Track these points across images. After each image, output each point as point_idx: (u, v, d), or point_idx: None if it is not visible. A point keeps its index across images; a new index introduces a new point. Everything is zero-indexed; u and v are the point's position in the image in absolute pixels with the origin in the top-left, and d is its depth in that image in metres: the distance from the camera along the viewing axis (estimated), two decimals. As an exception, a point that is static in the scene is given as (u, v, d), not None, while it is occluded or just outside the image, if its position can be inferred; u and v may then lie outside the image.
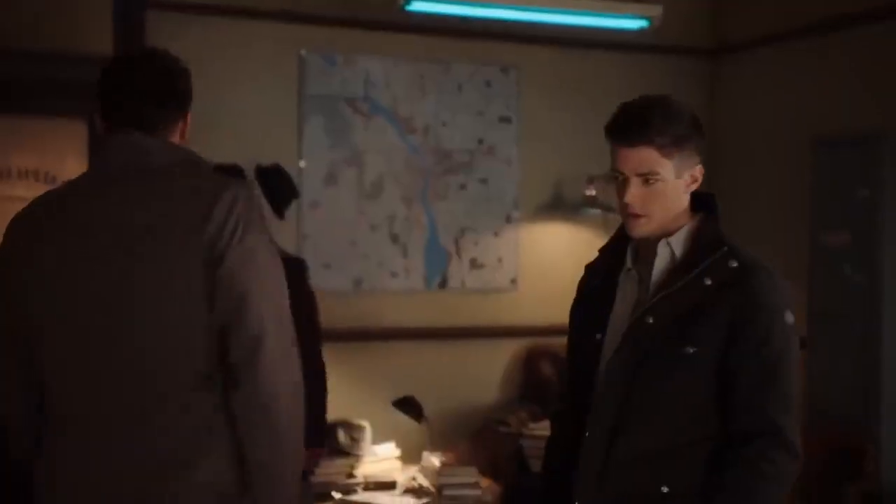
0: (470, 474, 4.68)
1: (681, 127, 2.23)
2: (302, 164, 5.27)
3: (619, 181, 2.24)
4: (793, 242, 5.27)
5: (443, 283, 5.54)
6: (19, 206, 4.78)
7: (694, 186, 2.28)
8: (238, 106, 5.10)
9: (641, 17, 5.23)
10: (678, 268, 2.24)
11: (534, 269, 5.71)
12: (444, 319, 5.53)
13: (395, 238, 5.47)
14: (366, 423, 4.59)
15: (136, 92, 2.31)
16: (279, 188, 4.67)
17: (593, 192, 5.49)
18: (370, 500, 4.37)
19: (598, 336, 2.30)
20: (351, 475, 4.51)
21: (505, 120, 5.65)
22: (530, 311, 5.70)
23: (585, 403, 2.30)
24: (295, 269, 3.85)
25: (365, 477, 4.53)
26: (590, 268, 2.48)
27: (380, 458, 4.79)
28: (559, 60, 5.71)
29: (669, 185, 2.22)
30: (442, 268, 5.55)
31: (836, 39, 5.18)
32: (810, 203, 5.03)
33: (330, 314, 5.10)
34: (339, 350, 5.28)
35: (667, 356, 2.18)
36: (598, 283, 2.39)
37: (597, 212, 5.50)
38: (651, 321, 2.21)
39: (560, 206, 5.72)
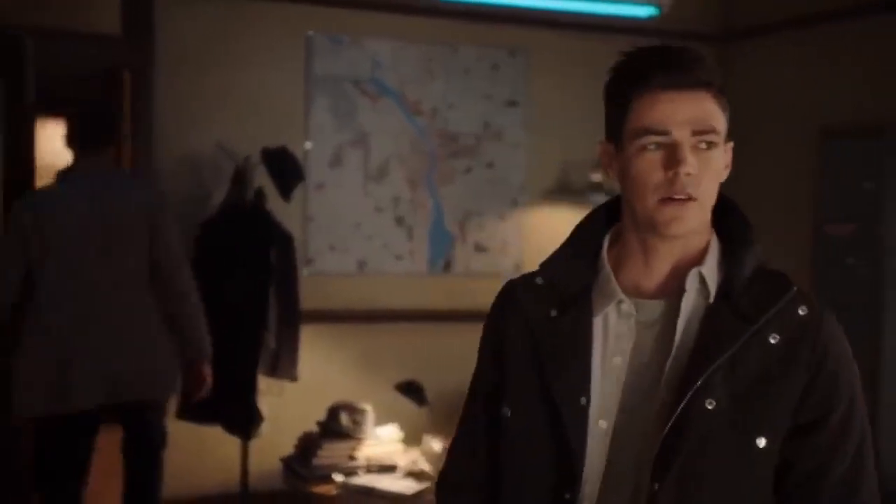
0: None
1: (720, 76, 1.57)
2: (308, 145, 5.27)
3: (652, 150, 1.52)
4: (797, 232, 5.27)
5: (447, 267, 5.54)
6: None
7: (726, 173, 1.62)
8: (245, 87, 5.10)
9: (650, 5, 5.21)
10: (722, 314, 1.53)
11: (538, 253, 5.63)
12: (448, 302, 5.53)
13: (400, 221, 5.47)
14: (368, 406, 4.60)
15: None
16: (285, 170, 4.68)
17: (600, 178, 5.48)
18: (371, 483, 4.39)
19: (583, 400, 1.54)
20: (352, 457, 4.52)
21: (512, 104, 5.64)
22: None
23: (540, 496, 1.59)
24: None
25: (367, 459, 4.54)
26: (526, 291, 1.71)
27: (381, 440, 4.81)
28: (567, 44, 5.70)
29: (719, 158, 1.57)
30: (446, 251, 5.55)
31: (845, 30, 5.17)
32: (816, 193, 5.02)
33: (334, 296, 5.13)
34: (342, 332, 5.30)
35: (732, 454, 1.49)
36: (554, 313, 1.62)
37: (603, 197, 5.49)
38: (712, 406, 1.48)
39: (566, 191, 5.71)
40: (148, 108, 4.91)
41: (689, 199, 1.51)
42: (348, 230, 5.38)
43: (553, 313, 1.61)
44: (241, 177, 4.75)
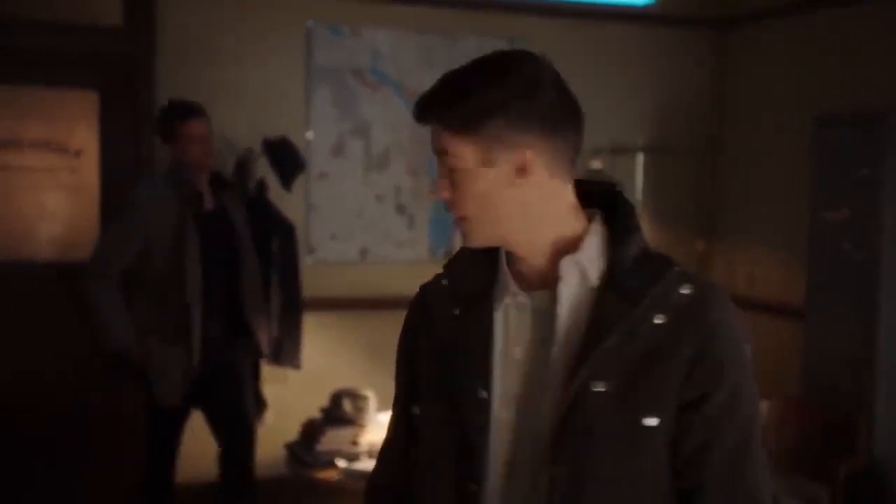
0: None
1: (478, 102, 1.56)
2: (309, 135, 5.31)
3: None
4: (793, 217, 5.31)
5: (448, 254, 5.57)
6: (30, 176, 4.89)
7: (515, 182, 1.56)
8: (246, 77, 5.13)
9: (648, -8, 5.24)
10: (606, 299, 1.56)
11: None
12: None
13: (401, 209, 5.52)
14: (370, 393, 4.65)
15: None
16: (286, 160, 4.73)
17: (599, 166, 5.51)
18: (374, 468, 4.44)
19: (483, 394, 1.59)
20: (355, 443, 4.57)
21: (511, 92, 5.65)
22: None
23: (447, 491, 1.62)
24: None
25: (369, 445, 4.59)
26: (434, 292, 1.74)
27: (384, 426, 4.85)
28: (566, 33, 5.72)
29: (476, 178, 1.57)
30: (447, 239, 5.59)
31: (840, 17, 5.19)
32: (811, 179, 5.06)
33: (336, 284, 5.17)
34: (343, 319, 5.34)
35: (622, 435, 1.52)
36: (457, 312, 1.66)
37: (602, 184, 5.52)
38: (602, 388, 1.52)
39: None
40: (150, 99, 4.94)
41: (460, 218, 1.59)
42: (350, 219, 5.42)
43: (456, 312, 1.66)
44: (242, 167, 4.79)
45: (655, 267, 1.58)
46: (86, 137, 4.85)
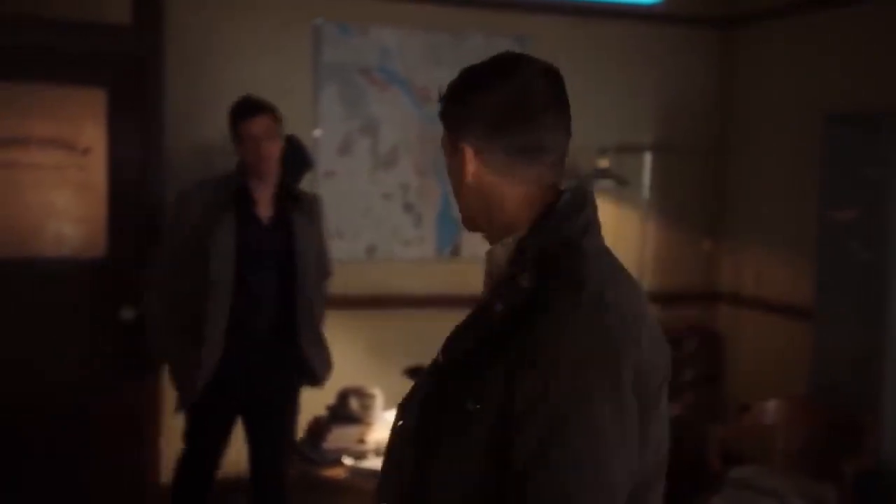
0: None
1: (446, 97, 1.74)
2: (317, 133, 5.31)
3: None
4: (802, 216, 5.30)
5: (455, 252, 5.59)
6: (38, 173, 4.90)
7: (471, 172, 1.66)
8: (253, 75, 5.13)
9: (655, -10, 5.24)
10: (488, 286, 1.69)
11: (545, 239, 5.72)
12: (456, 288, 5.56)
13: (408, 207, 5.52)
14: (377, 391, 4.65)
15: None
16: (294, 158, 4.72)
17: (606, 164, 5.51)
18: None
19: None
20: (362, 441, 4.57)
21: (519, 91, 5.65)
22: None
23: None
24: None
25: (376, 444, 4.59)
26: None
27: (390, 424, 4.85)
28: (573, 31, 5.72)
29: (452, 167, 1.72)
30: (454, 237, 5.59)
31: (849, 15, 5.17)
32: (820, 179, 5.05)
33: (343, 282, 5.16)
34: (351, 317, 5.34)
35: (450, 414, 1.55)
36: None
37: (609, 183, 5.52)
38: (441, 359, 1.66)
39: (572, 177, 5.70)
40: (159, 97, 4.95)
41: None
42: (357, 217, 5.43)
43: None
44: (250, 165, 4.79)
45: (518, 258, 1.61)
46: (94, 135, 4.85)
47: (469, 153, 1.66)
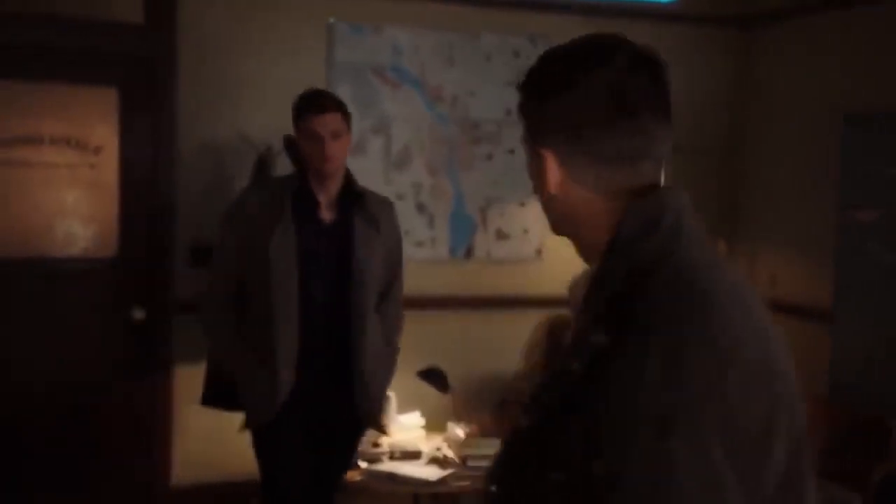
0: (494, 446, 4.69)
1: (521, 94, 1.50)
2: (329, 133, 5.27)
3: None
4: (820, 217, 5.25)
5: (468, 253, 5.55)
6: (50, 172, 4.88)
7: (555, 183, 1.45)
8: (266, 75, 5.11)
9: (671, -10, 5.19)
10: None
11: (559, 240, 5.56)
12: (470, 289, 5.54)
13: (421, 208, 5.48)
14: (391, 393, 4.61)
15: None
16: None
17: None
18: (395, 470, 4.41)
19: None
20: (376, 444, 4.54)
21: (532, 90, 5.61)
22: (555, 282, 5.70)
23: None
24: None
25: (390, 446, 4.56)
26: None
27: (405, 427, 4.82)
28: (587, 30, 5.64)
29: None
30: (467, 238, 5.55)
31: (866, 14, 5.13)
32: (839, 179, 5.00)
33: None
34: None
35: (529, 483, 1.33)
36: None
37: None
38: (524, 422, 1.37)
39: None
40: (170, 96, 4.93)
41: None
42: (370, 217, 5.39)
43: None
44: (263, 164, 4.77)
45: (601, 302, 1.33)
46: (106, 134, 4.83)
47: (552, 161, 1.41)
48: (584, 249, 1.47)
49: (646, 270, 1.32)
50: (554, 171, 1.41)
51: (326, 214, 3.66)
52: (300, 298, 3.58)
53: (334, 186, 3.67)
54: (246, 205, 3.68)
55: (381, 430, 4.11)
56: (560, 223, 1.48)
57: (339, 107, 3.63)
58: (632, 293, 1.30)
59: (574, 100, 1.38)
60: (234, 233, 3.65)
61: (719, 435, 1.22)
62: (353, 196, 3.73)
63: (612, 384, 1.24)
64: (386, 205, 3.92)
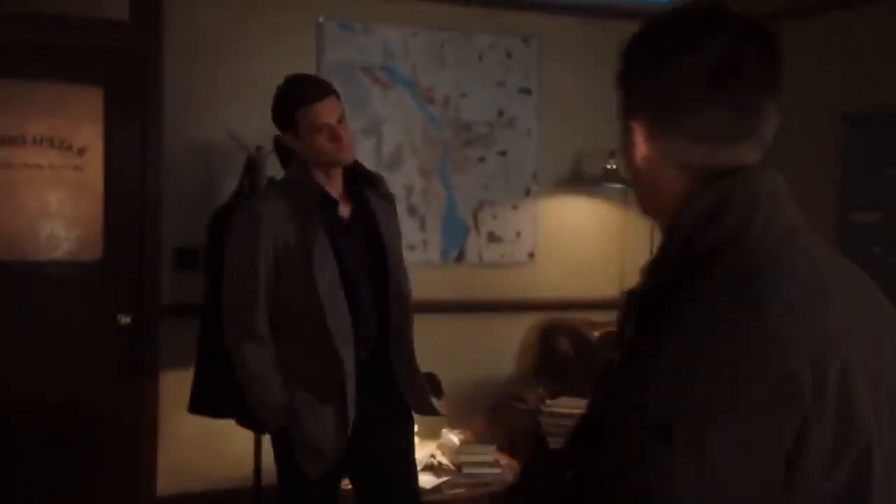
0: (489, 453, 4.63)
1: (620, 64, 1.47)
2: (319, 134, 5.20)
3: None
4: (821, 220, 5.18)
5: (460, 257, 5.48)
6: (33, 173, 4.79)
7: (640, 156, 1.41)
8: (255, 75, 5.03)
9: (666, -11, 5.13)
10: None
11: (552, 243, 5.64)
12: (462, 293, 5.47)
13: (412, 210, 5.40)
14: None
15: None
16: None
17: (614, 166, 5.41)
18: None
19: None
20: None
21: (525, 91, 5.55)
22: (548, 286, 5.64)
23: None
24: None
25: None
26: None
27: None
28: (581, 31, 5.62)
29: None
30: (460, 241, 5.48)
31: (867, 14, 5.09)
32: (839, 181, 4.94)
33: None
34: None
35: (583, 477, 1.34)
36: None
37: (618, 186, 5.43)
38: (587, 413, 1.45)
39: (580, 180, 5.64)
40: (157, 96, 4.85)
41: None
42: (360, 220, 5.31)
43: None
44: (252, 166, 4.69)
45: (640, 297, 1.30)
46: (90, 135, 4.74)
47: (640, 133, 1.34)
48: (659, 223, 1.38)
49: (699, 262, 1.24)
50: (641, 145, 1.34)
51: (344, 210, 3.30)
52: (350, 311, 3.20)
53: (339, 177, 3.31)
54: (264, 217, 3.19)
55: (436, 412, 3.57)
56: (643, 200, 1.40)
57: (333, 89, 3.28)
58: (678, 285, 1.23)
59: (672, 74, 1.31)
60: (263, 251, 3.18)
61: (733, 446, 1.13)
62: (360, 178, 3.38)
63: (626, 381, 1.21)
64: (378, 176, 3.49)
